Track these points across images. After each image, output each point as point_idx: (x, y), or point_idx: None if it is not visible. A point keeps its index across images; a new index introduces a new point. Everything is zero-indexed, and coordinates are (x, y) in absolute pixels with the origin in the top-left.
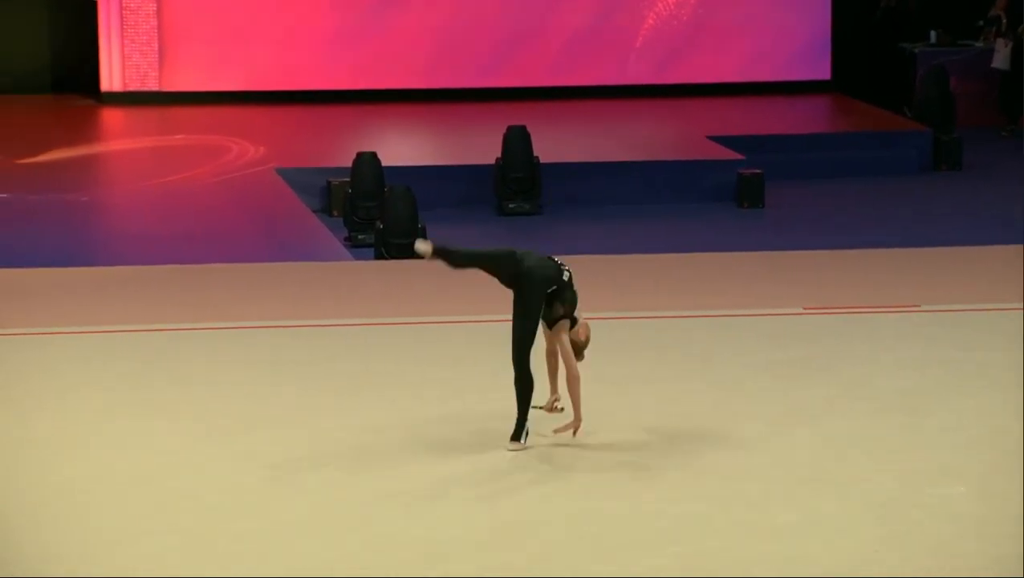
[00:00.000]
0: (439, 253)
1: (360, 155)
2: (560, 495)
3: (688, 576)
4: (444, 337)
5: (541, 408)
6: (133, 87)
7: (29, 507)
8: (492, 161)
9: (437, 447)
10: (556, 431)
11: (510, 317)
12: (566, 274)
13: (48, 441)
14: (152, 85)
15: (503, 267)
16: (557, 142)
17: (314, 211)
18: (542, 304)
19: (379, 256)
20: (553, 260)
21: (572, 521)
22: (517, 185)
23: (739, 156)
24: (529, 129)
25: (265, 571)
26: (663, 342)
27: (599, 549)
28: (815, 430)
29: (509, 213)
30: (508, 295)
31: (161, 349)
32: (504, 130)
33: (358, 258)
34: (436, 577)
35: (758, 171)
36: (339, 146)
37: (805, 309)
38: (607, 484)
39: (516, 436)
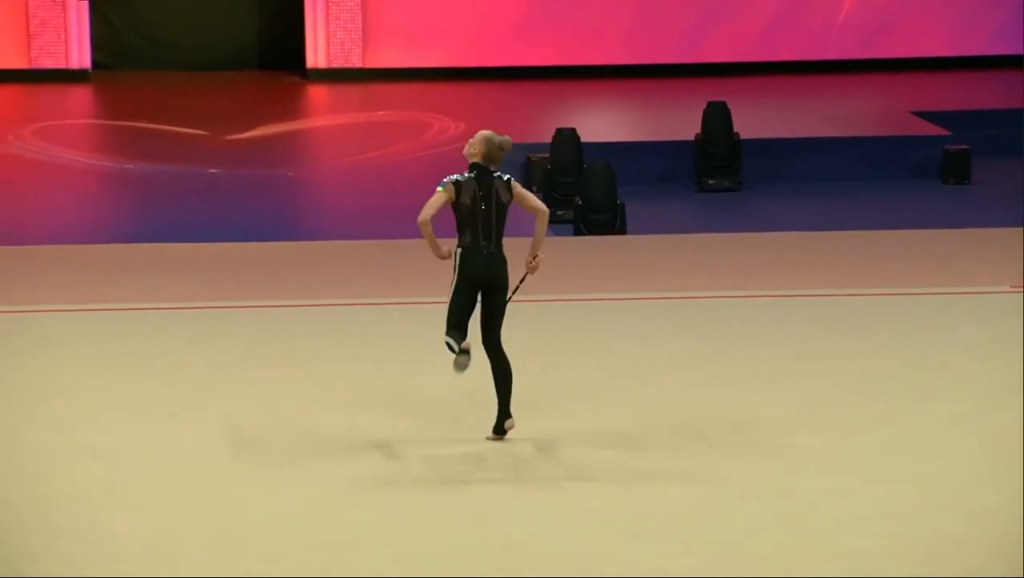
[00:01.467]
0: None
1: (560, 131)
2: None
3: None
4: (631, 311)
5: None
6: (337, 64)
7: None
8: (691, 137)
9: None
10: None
11: (706, 294)
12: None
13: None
14: (356, 62)
15: (474, 298)
16: (758, 118)
17: None
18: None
19: (577, 232)
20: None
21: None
22: (717, 161)
23: (944, 132)
24: (729, 105)
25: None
26: (868, 320)
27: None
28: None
29: (708, 189)
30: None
31: (356, 320)
32: (704, 106)
33: (556, 234)
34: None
35: (964, 147)
36: (539, 122)
37: (1012, 287)
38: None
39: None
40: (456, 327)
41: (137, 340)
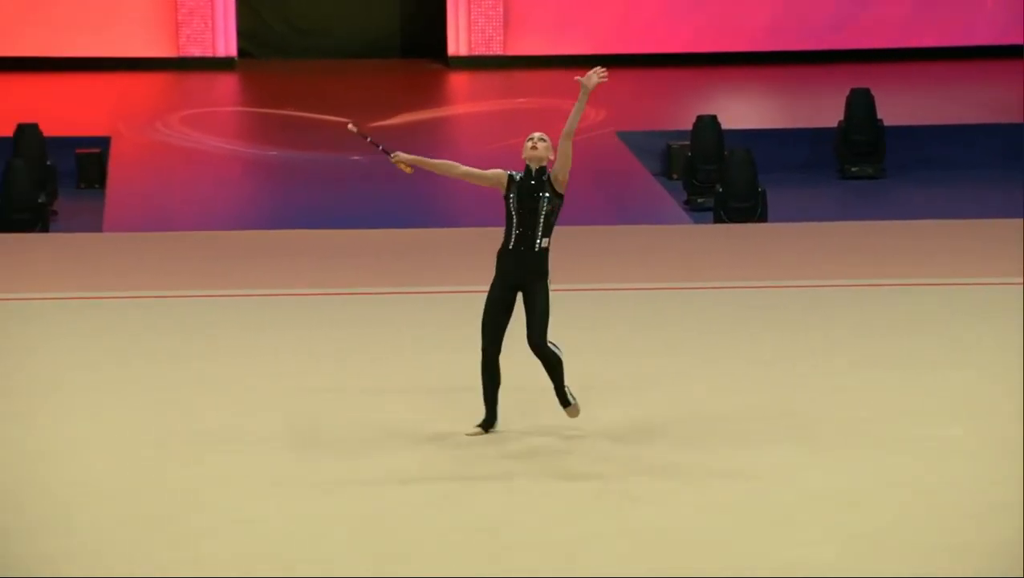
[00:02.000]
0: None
1: (700, 118)
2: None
3: None
4: (771, 299)
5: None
6: (478, 51)
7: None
8: (834, 124)
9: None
10: None
11: (848, 282)
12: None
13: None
14: (497, 49)
15: (506, 299)
16: (902, 105)
17: (653, 174)
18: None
19: (718, 219)
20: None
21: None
22: (860, 148)
23: None
24: (873, 92)
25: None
26: (1016, 310)
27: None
28: None
29: (851, 177)
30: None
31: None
32: (846, 92)
33: (697, 222)
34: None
35: None
36: (679, 109)
37: None
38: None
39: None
40: (488, 339)
41: (282, 327)
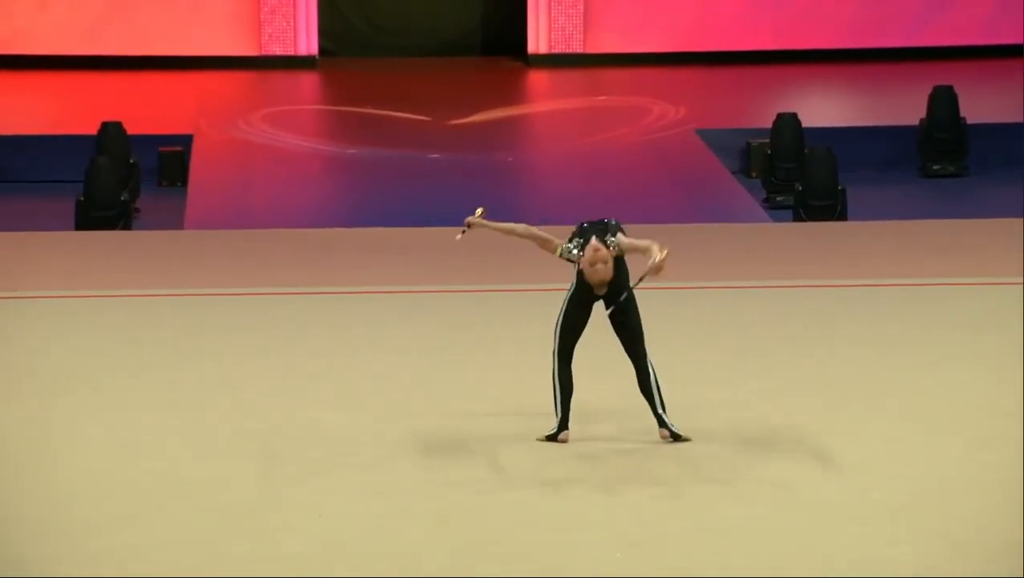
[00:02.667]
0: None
1: (780, 116)
2: None
3: None
4: (851, 297)
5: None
6: (558, 49)
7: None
8: (915, 122)
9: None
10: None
11: (929, 281)
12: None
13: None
14: (576, 47)
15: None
16: (986, 102)
17: (733, 172)
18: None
19: (797, 218)
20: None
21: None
22: (942, 146)
23: None
24: (956, 89)
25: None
26: None
27: None
28: None
29: (933, 175)
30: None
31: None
32: (928, 90)
33: (776, 220)
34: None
35: None
36: (759, 107)
37: None
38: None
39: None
40: (561, 356)
41: (362, 324)
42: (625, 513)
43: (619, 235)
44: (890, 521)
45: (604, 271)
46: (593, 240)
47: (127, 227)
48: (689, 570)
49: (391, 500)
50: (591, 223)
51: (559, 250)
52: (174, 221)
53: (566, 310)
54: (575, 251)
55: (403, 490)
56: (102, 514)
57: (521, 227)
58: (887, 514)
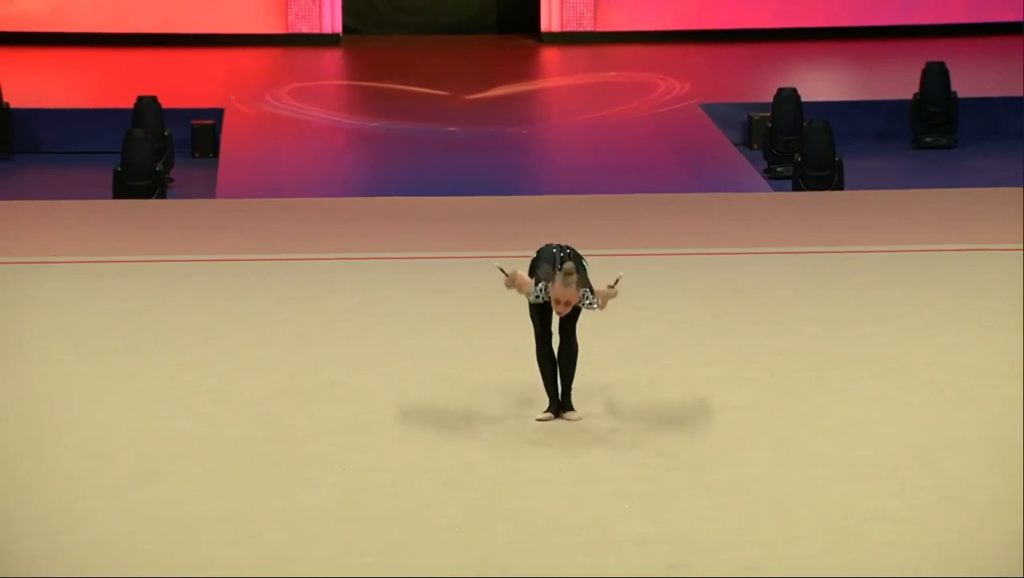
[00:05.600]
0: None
1: (781, 91)
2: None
3: None
4: (847, 263)
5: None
6: (570, 27)
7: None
8: (909, 97)
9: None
10: None
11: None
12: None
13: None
14: (587, 26)
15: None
16: (976, 78)
17: (735, 144)
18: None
19: (796, 188)
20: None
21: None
22: (934, 119)
23: None
24: (948, 66)
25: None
26: None
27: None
28: None
29: (925, 147)
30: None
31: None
32: (921, 66)
33: (776, 190)
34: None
35: None
36: (761, 82)
37: None
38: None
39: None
40: (537, 341)
41: (381, 288)
42: (630, 470)
43: (589, 286)
44: (882, 476)
45: (564, 309)
46: (561, 285)
47: (162, 196)
48: (690, 521)
49: (407, 457)
50: (548, 252)
51: (531, 296)
52: (206, 191)
53: (529, 311)
54: (542, 294)
55: (419, 446)
56: (137, 469)
57: (526, 287)
58: (878, 469)
